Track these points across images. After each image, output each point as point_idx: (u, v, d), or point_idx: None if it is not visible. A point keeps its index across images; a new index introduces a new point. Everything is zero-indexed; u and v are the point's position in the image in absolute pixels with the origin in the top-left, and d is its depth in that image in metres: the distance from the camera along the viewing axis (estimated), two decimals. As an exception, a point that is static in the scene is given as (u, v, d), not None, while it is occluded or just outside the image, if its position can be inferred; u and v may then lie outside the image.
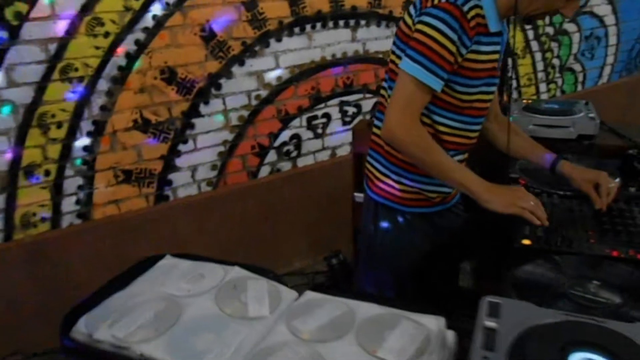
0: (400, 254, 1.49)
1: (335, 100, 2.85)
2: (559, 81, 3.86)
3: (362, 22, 2.79)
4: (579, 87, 3.99)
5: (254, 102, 2.59)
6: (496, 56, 1.33)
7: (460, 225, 1.57)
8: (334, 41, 2.74)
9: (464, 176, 1.28)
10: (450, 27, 1.18)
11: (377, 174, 1.48)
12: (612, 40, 4.01)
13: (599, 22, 3.85)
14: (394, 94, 1.26)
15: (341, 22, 2.73)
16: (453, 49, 1.20)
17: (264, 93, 2.61)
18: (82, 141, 2.21)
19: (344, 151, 2.97)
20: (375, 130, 1.49)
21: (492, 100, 1.44)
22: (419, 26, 1.21)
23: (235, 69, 2.49)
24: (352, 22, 2.76)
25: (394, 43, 1.37)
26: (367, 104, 2.97)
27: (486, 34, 1.26)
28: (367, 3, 2.78)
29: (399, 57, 1.30)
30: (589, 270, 1.14)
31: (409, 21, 1.29)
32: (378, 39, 2.87)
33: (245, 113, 2.59)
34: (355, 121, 2.95)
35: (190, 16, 2.31)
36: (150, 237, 2.41)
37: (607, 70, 4.12)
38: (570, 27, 3.71)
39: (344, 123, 2.92)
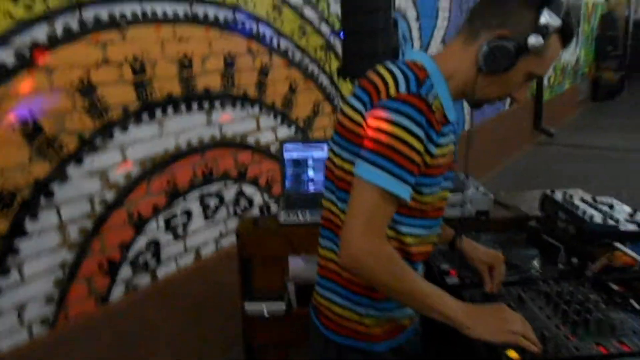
0: None
1: (195, 193, 2.45)
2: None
3: (217, 103, 2.49)
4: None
5: (99, 208, 2.05)
6: (453, 146, 1.18)
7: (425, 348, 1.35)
8: (189, 127, 2.37)
9: (441, 302, 1.07)
10: (416, 124, 1.00)
11: (336, 309, 1.18)
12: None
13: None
14: (352, 209, 1.02)
15: (195, 105, 2.39)
16: (421, 148, 1.01)
17: (110, 195, 2.09)
18: None
19: (209, 250, 2.55)
20: (324, 252, 1.23)
21: None
22: (377, 123, 1.01)
23: (72, 169, 1.94)
24: (206, 105, 2.44)
25: (335, 141, 1.14)
26: (230, 193, 2.63)
27: (446, 124, 1.11)
28: (221, 84, 2.50)
29: (347, 161, 1.09)
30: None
31: (355, 116, 1.08)
32: (234, 121, 2.60)
33: (89, 223, 2.02)
34: (219, 214, 2.57)
35: (3, 107, 1.73)
36: None
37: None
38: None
39: (207, 218, 2.52)
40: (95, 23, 1.95)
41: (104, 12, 1.97)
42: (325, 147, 2.18)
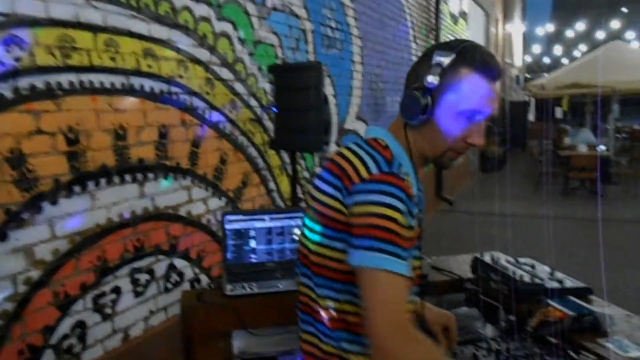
0: None
1: (125, 269, 2.32)
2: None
3: (150, 175, 2.44)
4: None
5: (22, 289, 1.87)
6: (421, 215, 1.22)
7: None
8: (121, 199, 2.28)
9: None
10: (398, 199, 1.03)
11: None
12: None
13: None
14: (371, 303, 0.99)
15: (128, 177, 2.31)
16: (406, 223, 1.04)
17: (35, 274, 1.92)
18: None
19: (139, 330, 2.39)
20: (307, 337, 1.22)
21: None
22: (362, 208, 1.02)
23: (-5, 246, 1.78)
24: (139, 176, 2.38)
25: (309, 228, 1.15)
26: (161, 267, 2.52)
27: (414, 196, 1.15)
28: (154, 154, 2.46)
29: (326, 246, 1.10)
30: None
31: (330, 201, 1.09)
32: (167, 193, 2.54)
33: (10, 306, 1.83)
34: (149, 290, 2.44)
35: None
36: None
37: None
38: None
39: (137, 295, 2.38)
40: (31, 92, 1.88)
41: (39, 81, 1.91)
42: (267, 217, 2.20)
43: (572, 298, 1.71)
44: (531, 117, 20.07)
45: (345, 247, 1.06)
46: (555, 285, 1.81)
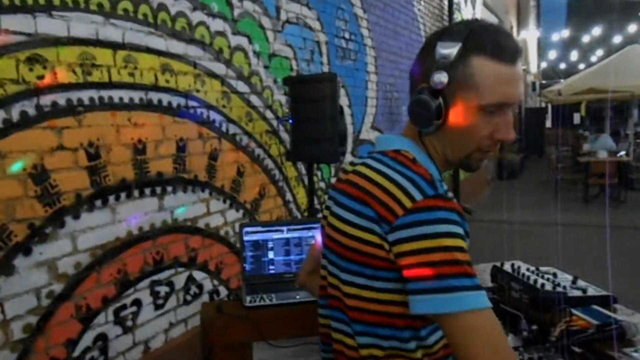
0: None
1: (146, 282, 2.34)
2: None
3: (169, 188, 2.47)
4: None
5: (45, 302, 1.90)
6: None
7: None
8: (140, 212, 2.31)
9: None
10: (456, 224, 0.88)
11: None
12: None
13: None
14: (472, 350, 0.83)
15: (147, 191, 2.35)
16: (466, 247, 0.90)
17: (58, 288, 1.95)
18: None
19: (159, 342, 2.41)
20: None
21: None
22: (420, 244, 0.86)
23: (19, 261, 1.81)
24: (158, 190, 2.41)
25: (338, 266, 0.99)
26: (180, 280, 2.54)
27: None
28: (172, 168, 2.49)
29: (363, 287, 0.94)
30: None
31: (363, 235, 0.92)
32: (185, 206, 2.57)
33: (34, 319, 1.86)
34: (169, 302, 2.46)
35: (-51, 196, 1.62)
36: None
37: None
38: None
39: (157, 307, 2.40)
40: (53, 109, 1.92)
41: (61, 98, 1.95)
42: (285, 228, 2.21)
43: (596, 307, 1.68)
44: (548, 123, 19.89)
45: (386, 286, 0.91)
46: (578, 293, 1.79)
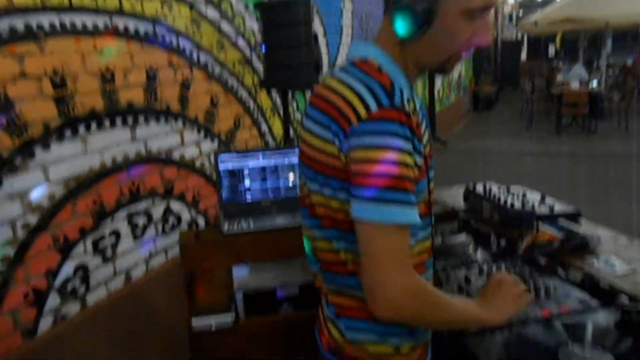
0: None
1: (123, 213, 2.34)
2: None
3: (141, 118, 2.42)
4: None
5: (22, 234, 1.89)
6: (428, 131, 1.08)
7: None
8: (113, 143, 2.27)
9: (474, 313, 1.03)
10: (403, 138, 0.88)
11: (368, 347, 1.03)
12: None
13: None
14: (372, 256, 0.89)
15: (118, 121, 2.29)
16: (412, 162, 0.90)
17: (33, 219, 1.93)
18: None
19: (140, 272, 2.44)
20: (327, 290, 1.07)
21: None
22: (363, 153, 0.88)
23: (-10, 192, 1.78)
24: (130, 120, 2.35)
25: (309, 177, 1.00)
26: (158, 211, 2.54)
27: (419, 119, 1.01)
28: (143, 98, 2.43)
29: (331, 197, 0.96)
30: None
31: (326, 147, 0.94)
32: (159, 137, 2.53)
33: (11, 251, 1.85)
34: (148, 233, 2.48)
35: None
36: None
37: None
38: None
39: (135, 238, 2.42)
40: (11, 34, 1.82)
41: (19, 23, 1.85)
42: (260, 156, 2.20)
43: (562, 221, 1.75)
44: (524, 55, 19.83)
45: (349, 197, 0.92)
46: (545, 210, 1.85)
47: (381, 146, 0.86)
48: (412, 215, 0.89)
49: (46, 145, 1.97)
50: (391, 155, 0.86)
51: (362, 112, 0.88)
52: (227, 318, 2.00)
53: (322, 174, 0.96)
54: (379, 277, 0.89)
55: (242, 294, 2.03)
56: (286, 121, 3.06)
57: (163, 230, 2.59)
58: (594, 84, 9.64)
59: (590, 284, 1.41)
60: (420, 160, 0.94)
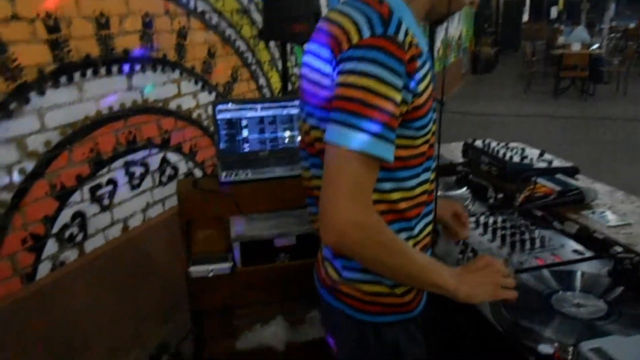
0: None
1: (120, 162, 2.33)
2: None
3: (137, 67, 2.37)
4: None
5: (18, 179, 1.88)
6: (430, 74, 1.01)
7: None
8: (109, 91, 2.24)
9: (437, 274, 0.96)
10: (388, 69, 0.85)
11: (363, 287, 1.03)
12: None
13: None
14: (330, 180, 0.87)
15: (114, 69, 2.25)
16: (397, 96, 0.87)
17: (29, 165, 1.92)
18: None
19: (137, 221, 2.45)
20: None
21: None
22: (346, 78, 0.86)
23: (-15, 136, 1.76)
24: (126, 68, 2.31)
25: (302, 109, 1.04)
26: (154, 161, 2.53)
27: (420, 56, 0.95)
28: (139, 45, 2.38)
29: (315, 127, 0.98)
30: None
31: (317, 77, 0.95)
32: (155, 86, 2.49)
33: (8, 196, 1.85)
34: (145, 183, 2.48)
35: None
36: None
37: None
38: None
39: (133, 187, 2.42)
40: (2, -27, 1.76)
41: (10, -38, 1.79)
42: (258, 106, 2.18)
43: (560, 176, 1.76)
44: (525, 17, 19.48)
45: None
46: (543, 165, 1.86)
47: (363, 72, 0.84)
48: (384, 149, 0.85)
49: (41, 91, 1.94)
50: (371, 84, 0.84)
51: (355, 38, 0.87)
52: (224, 266, 2.02)
53: (320, 108, 0.95)
54: (329, 201, 0.87)
55: (240, 244, 2.04)
56: (285, 75, 3.01)
57: (160, 181, 2.59)
58: (596, 46, 9.52)
59: (585, 236, 1.42)
60: (418, 88, 0.91)
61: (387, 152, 0.86)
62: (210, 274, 2.00)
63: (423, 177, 1.03)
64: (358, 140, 0.84)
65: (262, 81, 3.42)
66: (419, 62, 0.92)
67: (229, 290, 2.06)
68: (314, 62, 0.96)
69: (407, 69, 0.88)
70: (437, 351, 1.22)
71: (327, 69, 0.91)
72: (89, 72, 2.13)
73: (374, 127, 0.84)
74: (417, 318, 1.09)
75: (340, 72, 0.87)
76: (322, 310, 1.17)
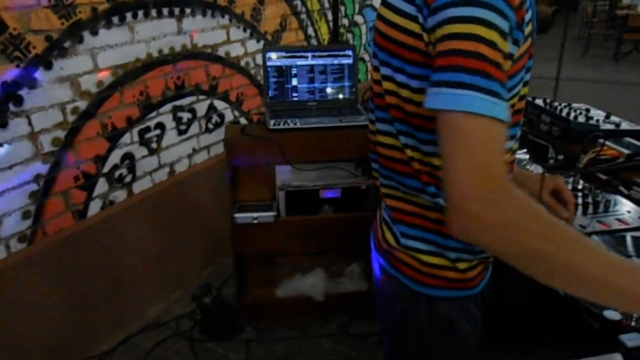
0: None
1: (168, 106, 2.33)
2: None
3: (187, 10, 2.33)
4: (369, 76, 4.26)
5: (71, 118, 1.91)
6: (532, 25, 0.81)
7: None
8: (159, 34, 2.21)
9: (623, 272, 0.67)
10: (500, 14, 0.69)
11: (422, 257, 0.92)
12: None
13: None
14: (451, 155, 0.68)
15: (165, 11, 2.22)
16: (506, 47, 0.71)
17: (82, 104, 1.94)
18: None
19: (183, 166, 2.47)
20: (387, 191, 0.97)
21: None
22: (449, 28, 0.69)
23: (41, 74, 1.77)
24: (176, 11, 2.28)
25: (382, 60, 0.87)
26: (202, 107, 2.52)
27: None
28: (190, -12, 2.33)
29: (403, 85, 0.83)
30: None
31: (407, 24, 0.79)
32: (205, 31, 2.45)
33: (61, 134, 1.88)
34: (192, 129, 2.48)
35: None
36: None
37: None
38: (359, 19, 3.89)
39: (180, 133, 2.42)
40: None
41: None
42: (309, 55, 2.12)
43: (629, 139, 1.65)
44: (589, -26, 18.23)
45: (422, 85, 0.78)
46: (610, 127, 1.74)
47: (468, 18, 0.68)
48: (501, 110, 0.67)
49: (94, 31, 1.93)
50: (479, 31, 0.67)
51: None
52: (269, 214, 2.02)
53: (397, 57, 0.82)
54: (459, 183, 0.66)
55: (285, 193, 2.04)
56: (335, 25, 2.92)
57: (207, 128, 2.59)
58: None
59: (654, 203, 1.33)
60: (521, 37, 0.76)
61: (506, 112, 0.68)
62: (255, 221, 2.02)
63: (509, 144, 0.91)
64: (472, 102, 0.66)
65: (310, 31, 3.33)
66: (525, 8, 0.75)
67: (271, 239, 2.08)
68: (400, 4, 0.80)
69: (517, 17, 0.72)
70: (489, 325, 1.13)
71: (417, 14, 0.77)
72: (140, 13, 2.10)
73: (488, 84, 0.67)
74: (477, 297, 0.97)
75: (438, 23, 0.71)
76: (374, 274, 1.07)
